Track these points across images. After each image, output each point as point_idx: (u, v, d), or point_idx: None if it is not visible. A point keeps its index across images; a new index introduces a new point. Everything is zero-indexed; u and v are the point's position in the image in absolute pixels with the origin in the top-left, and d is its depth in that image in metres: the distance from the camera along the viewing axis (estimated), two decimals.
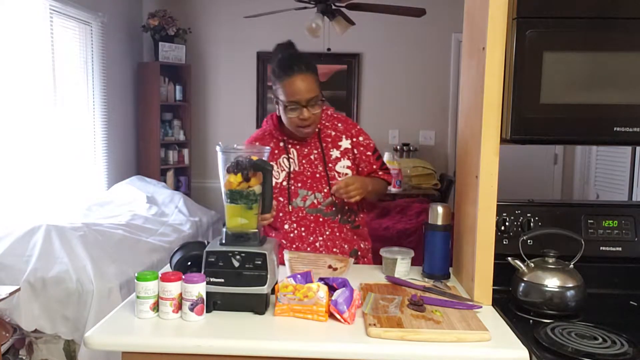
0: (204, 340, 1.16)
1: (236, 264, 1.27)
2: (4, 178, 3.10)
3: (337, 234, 1.79)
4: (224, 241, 1.33)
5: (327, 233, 1.78)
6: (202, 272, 1.28)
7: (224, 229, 1.34)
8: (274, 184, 1.70)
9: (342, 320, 1.24)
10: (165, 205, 3.97)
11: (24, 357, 2.52)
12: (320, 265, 1.56)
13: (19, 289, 2.24)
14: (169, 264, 1.48)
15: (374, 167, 1.86)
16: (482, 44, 1.34)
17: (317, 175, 1.77)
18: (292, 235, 1.76)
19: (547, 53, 1.26)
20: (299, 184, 1.76)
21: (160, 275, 1.27)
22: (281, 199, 1.75)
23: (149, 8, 4.86)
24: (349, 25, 3.94)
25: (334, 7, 3.82)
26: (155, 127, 4.70)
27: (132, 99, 4.78)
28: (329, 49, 4.34)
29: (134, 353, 1.18)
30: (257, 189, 1.33)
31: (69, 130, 3.81)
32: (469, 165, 1.46)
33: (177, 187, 4.88)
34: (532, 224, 1.51)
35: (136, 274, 1.27)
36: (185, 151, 4.98)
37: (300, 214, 1.76)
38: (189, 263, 1.41)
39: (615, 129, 1.26)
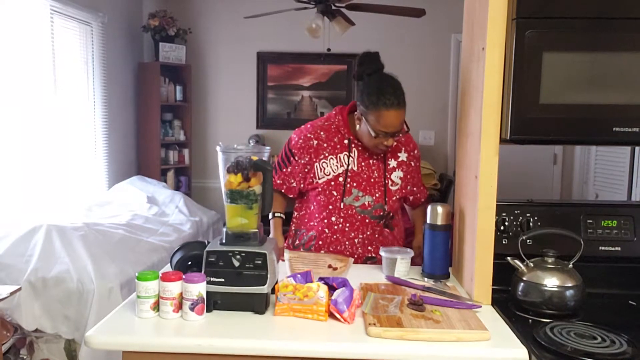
0: (204, 339, 1.17)
1: (236, 263, 1.28)
2: (5, 178, 3.11)
3: (377, 236, 1.87)
4: (224, 241, 1.33)
5: (368, 233, 1.85)
6: (203, 271, 1.28)
7: (225, 229, 1.35)
8: (330, 175, 1.80)
9: (342, 319, 1.25)
10: (165, 205, 3.98)
11: (25, 357, 2.53)
12: (320, 265, 1.57)
13: (19, 289, 2.25)
14: (169, 264, 1.49)
15: (420, 177, 1.99)
16: (482, 44, 1.34)
17: (372, 180, 1.84)
18: (335, 227, 1.84)
19: (546, 53, 1.26)
20: (354, 184, 1.83)
21: (160, 275, 1.27)
22: (335, 193, 1.82)
23: (149, 8, 4.86)
24: (349, 25, 3.94)
25: (334, 7, 3.82)
26: (155, 127, 4.71)
27: (132, 99, 4.78)
28: (329, 49, 4.34)
29: (134, 352, 1.18)
30: (257, 189, 1.33)
31: (69, 131, 3.81)
32: (469, 165, 1.46)
33: (177, 187, 4.88)
34: (531, 224, 1.51)
35: (137, 274, 1.27)
36: (186, 151, 4.99)
37: (349, 212, 1.83)
38: (190, 263, 1.42)
39: (614, 129, 1.27)
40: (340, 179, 1.82)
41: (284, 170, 1.90)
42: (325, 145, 1.84)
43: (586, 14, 1.26)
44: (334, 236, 1.84)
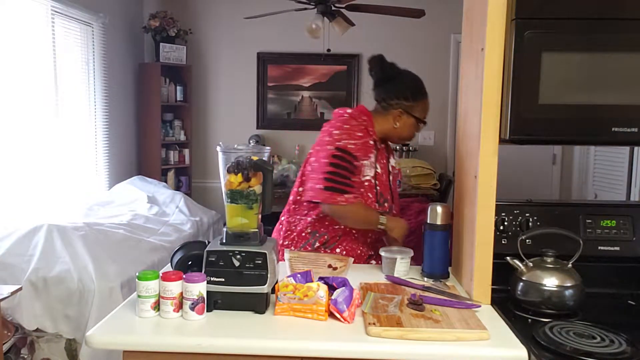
0: (204, 339, 1.17)
1: (237, 263, 1.28)
2: (6, 178, 3.11)
3: (383, 238, 1.89)
4: (224, 241, 1.34)
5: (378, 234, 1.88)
6: (203, 271, 1.29)
7: (225, 229, 1.35)
8: (367, 177, 1.80)
9: (341, 319, 1.25)
10: (166, 205, 3.98)
11: (25, 356, 2.53)
12: (320, 265, 1.57)
13: (20, 288, 2.25)
14: (169, 264, 1.49)
15: None
16: (481, 44, 1.34)
17: (385, 183, 1.89)
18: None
19: (545, 54, 1.26)
20: (380, 187, 1.86)
21: (161, 274, 1.28)
22: (370, 195, 1.82)
23: (149, 9, 4.87)
24: (348, 26, 3.94)
25: (333, 8, 3.83)
26: (156, 128, 4.72)
27: (133, 99, 4.79)
28: (328, 50, 4.35)
29: (135, 352, 1.19)
30: (258, 188, 1.34)
31: (70, 131, 3.82)
32: (468, 165, 1.47)
33: (177, 187, 4.89)
34: (530, 224, 1.52)
35: (137, 274, 1.28)
36: (186, 151, 5.00)
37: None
38: (190, 262, 1.42)
39: (613, 129, 1.27)
40: (373, 180, 1.81)
41: (355, 180, 1.74)
42: (370, 144, 1.81)
43: (585, 15, 1.26)
44: (355, 235, 1.84)
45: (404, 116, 1.86)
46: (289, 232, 1.89)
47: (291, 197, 1.92)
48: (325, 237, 1.84)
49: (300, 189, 1.87)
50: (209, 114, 5.15)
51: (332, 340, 1.17)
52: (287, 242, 1.88)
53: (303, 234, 1.87)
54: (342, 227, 1.83)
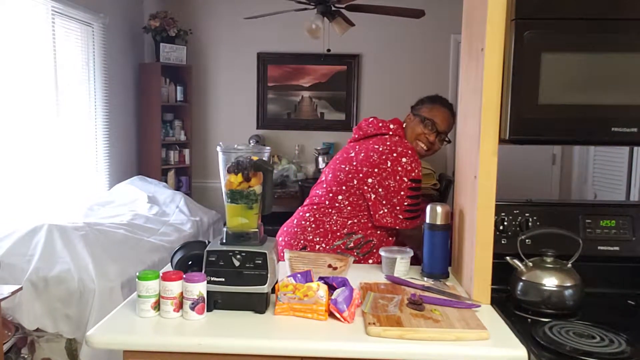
0: (204, 338, 1.17)
1: (237, 263, 1.29)
2: (7, 178, 3.12)
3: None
4: (224, 241, 1.34)
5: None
6: (203, 271, 1.29)
7: (225, 229, 1.36)
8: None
9: (341, 319, 1.25)
10: (166, 205, 3.98)
11: (26, 356, 2.53)
12: (320, 265, 1.57)
13: (21, 288, 2.25)
14: (170, 263, 1.49)
15: None
16: (481, 45, 1.35)
17: None
18: (391, 239, 1.94)
19: (545, 54, 1.26)
20: None
21: (161, 274, 1.28)
22: None
23: (150, 9, 4.87)
24: (348, 26, 3.95)
25: (333, 8, 3.83)
26: (156, 128, 4.72)
27: (133, 99, 4.79)
28: (328, 50, 4.35)
29: (135, 352, 1.19)
30: (258, 188, 1.34)
31: (71, 131, 3.82)
32: (468, 166, 1.47)
33: (178, 187, 4.89)
34: (530, 224, 1.52)
35: (137, 273, 1.28)
36: (186, 151, 5.00)
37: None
38: (190, 262, 1.42)
39: (612, 129, 1.27)
40: None
41: (420, 200, 1.87)
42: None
43: (585, 15, 1.26)
44: (381, 243, 1.90)
45: (412, 119, 2.00)
46: (320, 230, 1.91)
47: (319, 198, 1.96)
48: (361, 240, 1.88)
49: (334, 188, 1.93)
50: (209, 114, 5.16)
51: (332, 340, 1.18)
52: (318, 239, 1.90)
53: (338, 233, 1.89)
54: (378, 236, 1.90)
